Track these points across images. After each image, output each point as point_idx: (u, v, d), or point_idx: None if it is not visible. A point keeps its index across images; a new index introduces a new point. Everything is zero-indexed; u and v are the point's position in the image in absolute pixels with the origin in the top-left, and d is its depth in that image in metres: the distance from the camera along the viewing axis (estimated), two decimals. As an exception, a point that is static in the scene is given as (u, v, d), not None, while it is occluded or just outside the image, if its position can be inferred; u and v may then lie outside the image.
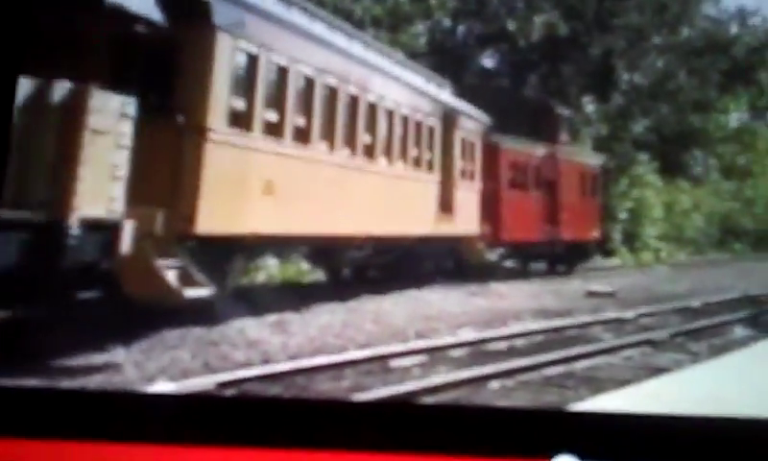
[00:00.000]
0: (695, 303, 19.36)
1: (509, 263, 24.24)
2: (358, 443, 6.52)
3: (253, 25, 12.23)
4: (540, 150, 26.23)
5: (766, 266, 36.98)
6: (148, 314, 10.44)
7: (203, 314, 11.36)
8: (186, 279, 10.68)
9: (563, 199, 26.57)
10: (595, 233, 29.51)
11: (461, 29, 48.06)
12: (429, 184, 19.30)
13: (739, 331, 15.86)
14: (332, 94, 14.62)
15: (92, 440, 6.86)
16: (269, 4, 13.16)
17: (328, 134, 14.61)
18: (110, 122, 9.31)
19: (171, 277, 10.50)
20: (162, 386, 8.68)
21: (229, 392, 8.89)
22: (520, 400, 9.45)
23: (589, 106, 46.49)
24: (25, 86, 8.52)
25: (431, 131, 19.29)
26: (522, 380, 10.30)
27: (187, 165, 11.05)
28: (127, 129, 9.68)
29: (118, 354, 9.81)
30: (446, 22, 43.56)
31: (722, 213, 50.23)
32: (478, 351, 12.04)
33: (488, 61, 49.16)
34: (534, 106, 30.33)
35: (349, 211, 15.20)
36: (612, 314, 16.48)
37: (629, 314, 16.61)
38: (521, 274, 22.42)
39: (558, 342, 13.27)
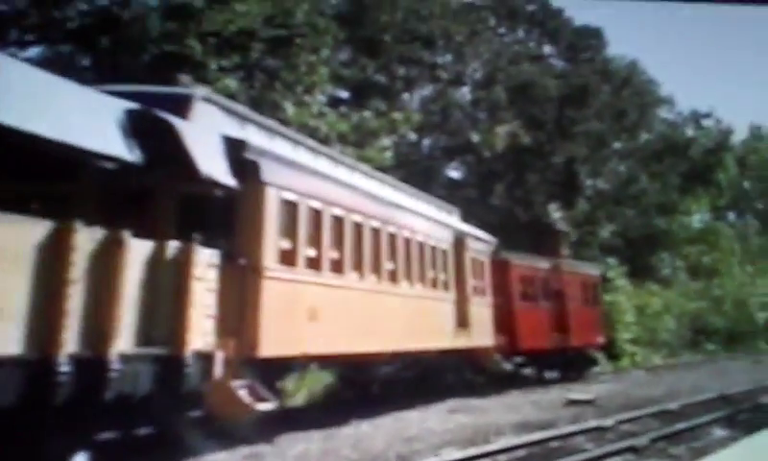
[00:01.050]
0: (672, 405, 19.23)
1: (526, 371, 26.30)
2: None
3: (293, 178, 14.17)
4: (545, 264, 27.96)
5: (738, 365, 36.99)
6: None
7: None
8: (256, 396, 12.30)
9: (569, 308, 28.16)
10: (600, 339, 31.17)
11: (426, 142, 48.54)
12: (446, 302, 20.91)
13: (718, 432, 15.69)
14: (358, 229, 16.58)
15: None
16: (304, 159, 15.49)
17: (357, 265, 16.45)
18: (204, 271, 10.92)
19: (243, 394, 12.11)
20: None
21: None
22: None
23: (556, 213, 46.85)
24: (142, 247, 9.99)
25: (444, 254, 21.11)
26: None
27: (250, 300, 12.66)
28: (213, 275, 11.20)
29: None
30: (412, 136, 43.96)
31: (692, 313, 50.43)
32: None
33: (454, 173, 49.65)
34: (535, 223, 33.45)
35: (379, 331, 16.82)
36: (592, 423, 16.28)
37: (609, 422, 16.43)
38: (523, 382, 23.53)
39: (541, 455, 13.05)
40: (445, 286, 20.98)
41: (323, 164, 16.51)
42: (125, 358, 9.31)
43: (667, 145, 52.43)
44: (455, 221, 23.51)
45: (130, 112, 10.35)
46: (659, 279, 48.62)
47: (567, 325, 27.92)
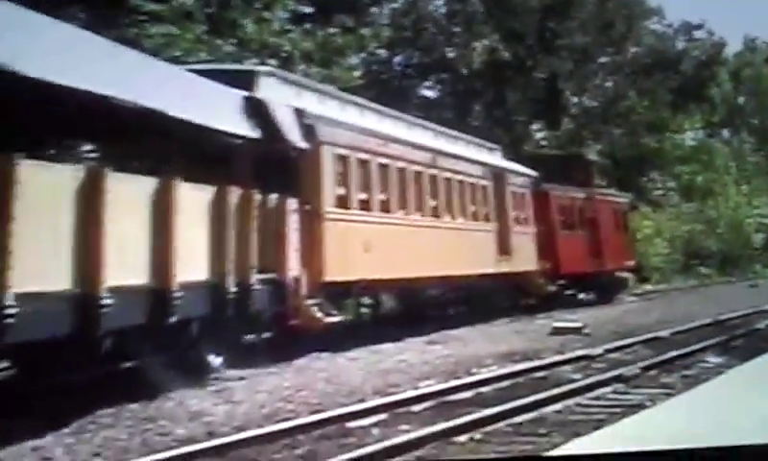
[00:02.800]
0: (664, 333, 19.39)
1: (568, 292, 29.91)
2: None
3: (343, 136, 18.28)
4: (580, 194, 31.57)
5: (733, 289, 37.33)
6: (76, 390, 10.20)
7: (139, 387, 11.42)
8: (324, 312, 16.46)
9: (602, 234, 31.88)
10: (631, 262, 35.16)
11: (398, 59, 48.28)
12: (487, 232, 25.02)
13: (712, 359, 15.88)
14: (402, 174, 20.64)
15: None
16: (353, 118, 19.59)
17: (403, 204, 20.62)
18: (291, 215, 15.30)
19: (316, 310, 16.24)
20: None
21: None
22: (490, 452, 9.20)
23: (539, 133, 46.85)
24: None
25: (484, 189, 25.24)
26: (491, 431, 10.06)
27: (316, 237, 16.68)
28: (295, 218, 15.51)
29: (46, 438, 9.43)
30: (382, 53, 43.64)
31: (685, 237, 50.70)
32: (442, 404, 11.81)
33: (429, 92, 49.44)
34: (568, 157, 36.35)
35: (423, 259, 20.64)
36: (580, 352, 16.39)
37: (597, 350, 16.54)
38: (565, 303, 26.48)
39: (526, 386, 13.12)
40: (486, 218, 25.07)
41: (370, 120, 20.59)
42: (259, 281, 14.00)
43: (657, 59, 52.19)
44: (496, 159, 27.82)
45: (241, 97, 14.56)
46: (650, 201, 48.81)
47: (601, 250, 31.72)
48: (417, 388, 12.73)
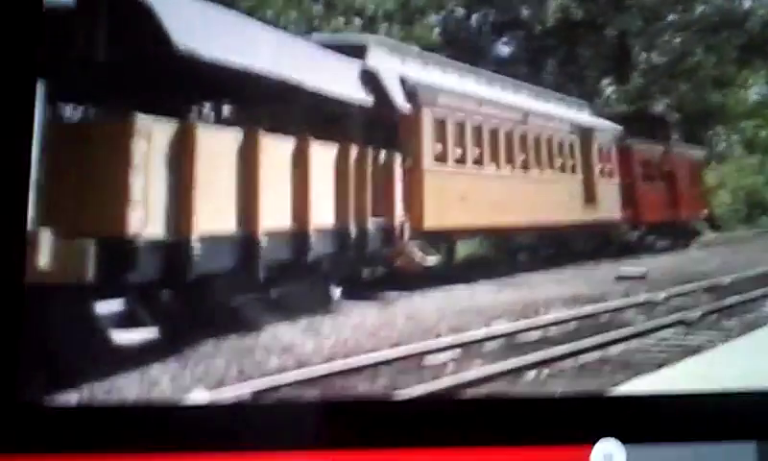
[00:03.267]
0: (725, 280, 19.31)
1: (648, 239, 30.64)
2: (400, 440, 6.51)
3: (443, 97, 19.63)
4: (659, 148, 33.08)
5: (793, 238, 36.75)
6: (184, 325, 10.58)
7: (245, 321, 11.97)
8: (424, 254, 17.68)
9: (679, 186, 33.43)
10: (705, 211, 35.70)
11: (474, 18, 47.96)
12: (573, 183, 26.07)
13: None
14: (494, 132, 21.75)
15: (131, 454, 6.87)
16: (452, 82, 21.11)
17: (495, 158, 21.62)
18: (398, 170, 16.98)
19: (416, 253, 17.45)
20: (199, 396, 8.70)
21: (266, 398, 8.89)
22: (557, 388, 9.38)
23: (609, 88, 46.33)
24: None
25: (571, 144, 26.47)
26: (558, 369, 10.23)
27: (416, 188, 17.89)
28: (400, 171, 17.00)
29: (153, 367, 9.81)
30: (460, 12, 43.46)
31: (747, 188, 49.86)
32: (511, 343, 12.00)
33: (504, 50, 49.11)
34: (648, 114, 36.40)
35: (515, 208, 21.92)
36: (643, 297, 16.42)
37: (660, 296, 16.56)
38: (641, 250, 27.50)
39: (591, 328, 13.23)
40: (573, 170, 26.17)
41: (467, 82, 22.28)
42: (373, 224, 15.69)
43: (724, 17, 51.16)
44: (584, 116, 29.60)
45: (358, 67, 16.19)
46: (714, 154, 48.05)
47: (678, 200, 32.84)
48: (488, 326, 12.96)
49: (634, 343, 12.01)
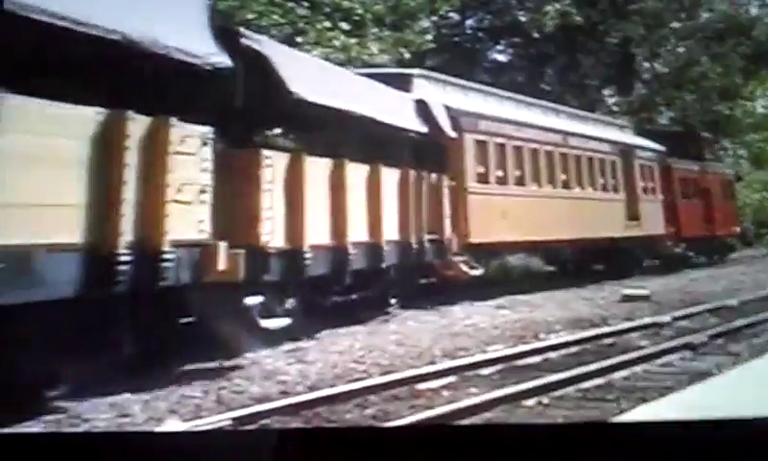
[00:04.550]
0: (732, 301, 19.22)
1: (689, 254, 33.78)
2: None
3: (483, 123, 22.20)
4: (696, 166, 35.69)
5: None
6: (153, 350, 10.44)
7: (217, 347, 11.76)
8: (470, 266, 20.26)
9: (713, 203, 36.42)
10: (737, 228, 40.02)
11: (469, 22, 47.97)
12: (615, 202, 28.65)
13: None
14: (534, 153, 24.24)
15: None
16: (492, 109, 23.35)
17: (535, 178, 24.19)
18: (446, 190, 19.43)
19: (462, 265, 20.01)
20: (173, 426, 8.53)
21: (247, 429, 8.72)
22: (558, 416, 9.24)
23: (611, 98, 46.32)
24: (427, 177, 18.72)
25: (613, 163, 28.89)
26: (559, 396, 10.10)
27: (461, 207, 20.39)
28: (447, 192, 19.47)
29: (124, 395, 9.65)
30: (454, 16, 43.37)
31: (754, 205, 49.89)
32: (510, 368, 11.87)
33: (500, 56, 49.09)
34: (682, 133, 39.83)
35: (555, 224, 24.18)
36: (647, 320, 16.32)
37: (665, 318, 16.45)
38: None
39: (593, 352, 13.11)
40: (615, 189, 28.76)
41: (508, 109, 24.56)
42: (427, 240, 18.22)
43: (729, 25, 51.28)
44: (626, 136, 31.92)
45: (412, 99, 19.00)
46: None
47: (713, 217, 35.80)
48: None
49: (638, 368, 11.84)
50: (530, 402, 9.75)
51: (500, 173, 22.54)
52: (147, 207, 9.97)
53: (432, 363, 11.96)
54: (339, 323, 14.87)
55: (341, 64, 21.80)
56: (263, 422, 8.70)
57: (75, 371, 9.22)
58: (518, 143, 23.47)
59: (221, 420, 8.50)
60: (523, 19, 42.82)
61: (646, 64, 48.07)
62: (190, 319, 11.08)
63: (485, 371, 11.61)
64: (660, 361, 12.39)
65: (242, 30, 13.57)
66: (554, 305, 19.57)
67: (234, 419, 8.57)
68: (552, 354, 12.99)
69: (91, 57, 9.35)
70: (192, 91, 11.10)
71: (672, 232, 32.23)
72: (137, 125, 9.91)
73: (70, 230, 9.05)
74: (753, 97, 54.73)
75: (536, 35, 42.56)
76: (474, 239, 20.61)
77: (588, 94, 43.14)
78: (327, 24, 26.10)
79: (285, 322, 13.27)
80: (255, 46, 12.90)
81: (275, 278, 13.02)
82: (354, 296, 15.94)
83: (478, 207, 21.02)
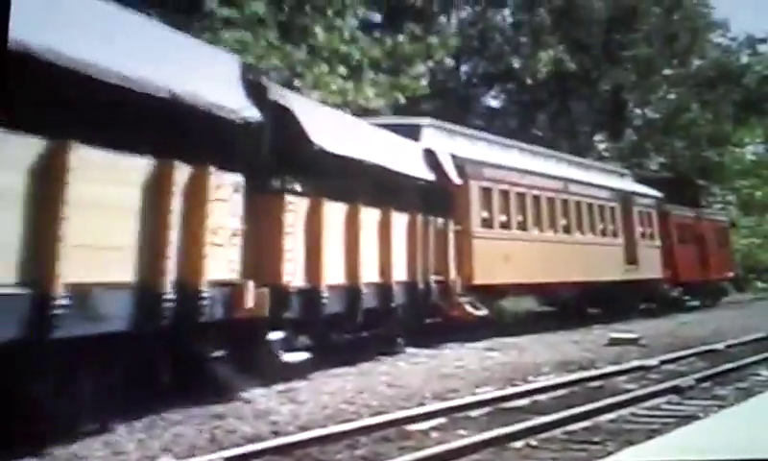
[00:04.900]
0: (719, 345, 19.33)
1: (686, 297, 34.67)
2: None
3: (488, 171, 23.18)
4: (691, 213, 37.19)
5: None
6: (148, 388, 10.54)
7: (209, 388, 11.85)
8: (474, 307, 20.99)
9: (708, 249, 37.18)
10: (731, 273, 41.27)
11: (464, 68, 48.30)
12: (614, 246, 29.61)
13: (765, 372, 15.74)
14: (536, 199, 25.12)
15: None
16: (497, 156, 24.65)
17: (537, 223, 25.08)
18: (451, 234, 20.26)
19: (467, 306, 20.78)
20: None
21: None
22: (545, 458, 9.33)
23: (602, 144, 46.60)
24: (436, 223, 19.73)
25: (612, 210, 29.77)
26: (546, 438, 10.17)
27: (466, 250, 21.30)
28: (452, 235, 20.34)
29: (119, 432, 9.71)
30: (449, 62, 43.70)
31: (742, 250, 50.06)
32: (499, 410, 11.95)
33: (493, 101, 49.41)
34: (679, 179, 40.43)
35: (556, 267, 25.12)
36: (635, 363, 16.41)
37: (652, 361, 16.54)
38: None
39: (581, 395, 13.19)
40: (614, 234, 29.67)
41: (512, 157, 25.91)
42: (433, 281, 19.12)
43: (720, 72, 51.67)
44: (626, 183, 32.89)
45: (421, 148, 19.99)
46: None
47: (708, 262, 36.69)
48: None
49: (625, 411, 11.92)
50: (518, 444, 9.81)
51: (503, 218, 23.45)
52: (188, 250, 10.88)
53: (422, 404, 12.05)
54: (331, 364, 14.95)
55: (337, 107, 22.04)
56: (254, 461, 8.79)
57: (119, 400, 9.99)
58: (521, 190, 24.38)
59: (213, 459, 8.57)
60: (517, 66, 43.18)
61: (637, 111, 48.44)
62: (221, 352, 12.12)
63: (474, 412, 11.70)
64: (647, 404, 12.49)
65: (270, 84, 14.30)
66: (542, 348, 19.68)
67: (227, 458, 8.65)
68: (541, 397, 13.08)
69: (143, 111, 10.06)
70: (226, 141, 11.97)
71: (669, 276, 32.96)
72: (181, 173, 10.80)
73: (124, 269, 9.88)
74: (742, 144, 55.03)
75: (529, 81, 42.90)
76: (478, 281, 21.42)
77: (580, 140, 43.42)
78: (325, 68, 26.32)
79: (304, 356, 14.03)
80: (281, 100, 13.86)
81: (294, 315, 13.84)
82: (365, 333, 16.84)
83: (482, 251, 21.93)
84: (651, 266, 31.63)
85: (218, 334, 11.89)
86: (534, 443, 9.92)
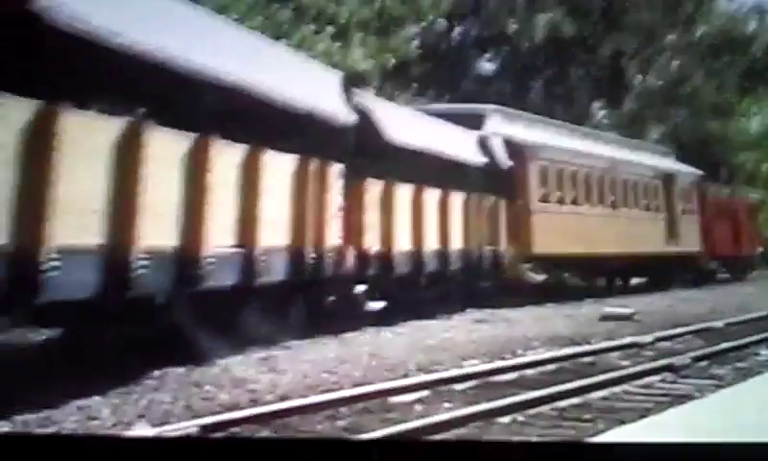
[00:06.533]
0: (718, 323, 19.39)
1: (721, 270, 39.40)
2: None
3: (544, 153, 27.09)
4: (726, 191, 42.63)
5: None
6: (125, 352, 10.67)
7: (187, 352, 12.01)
8: (533, 272, 26.32)
9: (741, 225, 41.23)
10: (760, 248, 44.88)
11: (456, 31, 48.13)
12: (658, 221, 33.66)
13: (765, 352, 15.78)
14: (588, 177, 29.16)
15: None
16: (553, 138, 28.90)
17: (588, 198, 29.05)
18: (503, 210, 24.47)
19: (527, 272, 25.92)
20: (141, 431, 8.66)
21: (215, 436, 8.85)
22: (533, 434, 9.38)
23: (600, 112, 46.55)
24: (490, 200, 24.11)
25: (656, 187, 33.95)
26: (534, 413, 10.25)
27: (525, 223, 25.30)
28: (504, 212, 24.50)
29: (93, 398, 9.78)
30: (440, 24, 43.56)
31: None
32: (485, 384, 12.02)
33: (487, 66, 49.30)
34: (714, 159, 44.89)
35: (607, 240, 28.84)
36: (629, 339, 16.48)
37: (647, 338, 16.59)
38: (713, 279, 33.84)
39: (572, 371, 13.26)
40: (657, 209, 33.60)
41: (565, 138, 29.95)
42: (488, 251, 23.23)
43: (726, 41, 51.56)
44: (668, 162, 37.05)
45: (475, 135, 23.92)
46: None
47: (740, 237, 40.47)
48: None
49: (617, 388, 11.98)
50: (505, 419, 9.88)
51: (559, 194, 27.40)
52: (316, 222, 15.65)
53: (406, 376, 12.12)
54: (311, 332, 15.07)
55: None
56: (232, 430, 8.87)
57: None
58: (574, 169, 28.30)
59: (189, 426, 8.64)
60: (512, 29, 43.08)
61: (637, 78, 48.36)
62: (330, 298, 16.84)
63: (459, 386, 11.77)
64: (640, 382, 12.55)
65: (356, 89, 19.32)
66: (533, 321, 19.79)
67: (202, 426, 8.71)
68: (529, 371, 13.16)
69: (266, 115, 13.89)
70: (333, 139, 16.38)
71: (707, 249, 36.64)
72: (314, 165, 15.65)
73: (284, 237, 14.79)
74: (748, 114, 54.97)
75: (525, 45, 42.82)
76: (537, 251, 25.46)
77: (577, 107, 43.40)
78: (311, 28, 26.29)
79: (382, 304, 18.10)
80: (362, 101, 18.53)
81: (373, 272, 18.20)
82: (429, 294, 20.52)
83: (541, 223, 25.73)
84: (691, 240, 35.32)
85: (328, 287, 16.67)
86: (521, 419, 10.00)
